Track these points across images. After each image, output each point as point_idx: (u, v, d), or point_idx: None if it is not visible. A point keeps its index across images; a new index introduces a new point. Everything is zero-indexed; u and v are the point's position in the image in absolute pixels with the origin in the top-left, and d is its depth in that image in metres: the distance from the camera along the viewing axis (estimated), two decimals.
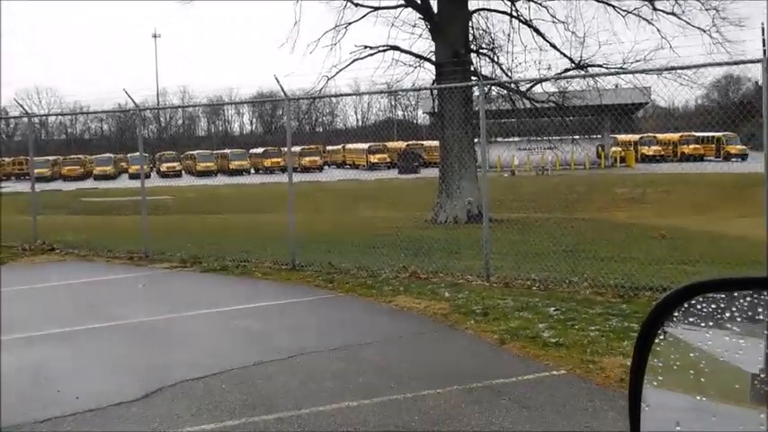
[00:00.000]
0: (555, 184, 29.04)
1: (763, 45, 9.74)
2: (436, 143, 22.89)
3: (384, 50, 21.50)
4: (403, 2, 21.53)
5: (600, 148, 38.40)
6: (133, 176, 50.56)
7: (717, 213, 22.52)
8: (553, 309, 9.17)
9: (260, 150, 58.53)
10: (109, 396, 6.49)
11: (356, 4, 21.87)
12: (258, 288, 11.64)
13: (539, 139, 25.73)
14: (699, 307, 1.11)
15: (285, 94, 13.48)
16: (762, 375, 1.04)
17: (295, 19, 24.16)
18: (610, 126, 32.95)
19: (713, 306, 1.10)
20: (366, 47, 21.48)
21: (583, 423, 5.68)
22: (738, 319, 1.08)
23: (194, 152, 60.26)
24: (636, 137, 45.63)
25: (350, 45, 26.20)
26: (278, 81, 13.13)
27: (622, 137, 43.11)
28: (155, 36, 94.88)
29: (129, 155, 56.50)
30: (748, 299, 1.08)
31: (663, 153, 46.23)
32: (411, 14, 21.86)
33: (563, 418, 5.77)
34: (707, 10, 20.36)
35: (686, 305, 1.11)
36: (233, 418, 5.93)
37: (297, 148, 45.51)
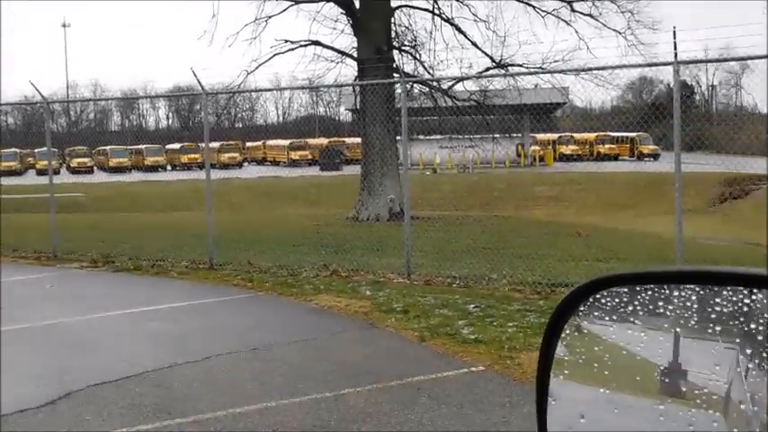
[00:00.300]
0: (476, 182, 29.45)
1: (675, 48, 10.06)
2: (358, 140, 22.87)
3: (305, 45, 21.33)
4: None
5: (520, 147, 39.19)
6: (41, 172, 48.48)
7: (630, 211, 23.30)
8: (473, 306, 9.25)
9: (177, 146, 57.05)
10: (11, 403, 6.15)
11: None
12: (174, 288, 11.32)
13: (460, 137, 26.04)
14: (603, 301, 1.11)
15: (203, 87, 13.17)
16: (670, 368, 1.06)
17: (213, 11, 23.72)
18: (529, 125, 33.66)
19: (617, 300, 1.11)
20: (287, 41, 21.28)
21: (500, 417, 5.73)
22: (641, 313, 1.09)
23: (107, 147, 58.21)
24: (554, 136, 46.77)
25: (271, 39, 25.86)
26: (195, 75, 12.81)
27: (541, 136, 44.10)
28: (64, 26, 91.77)
29: (36, 150, 54.14)
30: (650, 293, 1.09)
31: (580, 152, 47.53)
32: (333, 9, 21.77)
33: (481, 414, 5.81)
34: (622, 12, 21.04)
35: (591, 300, 1.11)
36: (146, 422, 5.72)
37: (215, 144, 44.54)
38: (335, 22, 21.81)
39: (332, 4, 21.47)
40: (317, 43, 21.45)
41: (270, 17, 21.82)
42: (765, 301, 1.00)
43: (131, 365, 7.15)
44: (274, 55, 21.40)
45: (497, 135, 25.77)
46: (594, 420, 1.09)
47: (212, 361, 7.34)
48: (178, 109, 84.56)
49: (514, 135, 34.67)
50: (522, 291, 10.17)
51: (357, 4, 20.85)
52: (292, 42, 21.36)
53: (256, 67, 21.15)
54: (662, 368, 1.07)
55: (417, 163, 33.95)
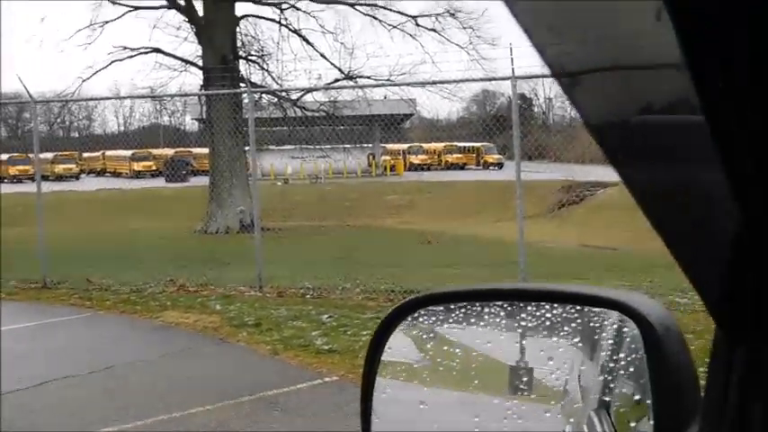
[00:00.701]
0: (328, 192, 29.51)
1: (512, 64, 10.59)
2: (206, 150, 22.26)
3: (146, 53, 20.55)
4: (165, 3, 20.66)
5: (371, 157, 39.68)
6: None
7: (477, 218, 24.17)
8: (326, 316, 9.21)
9: (4, 157, 52.92)
10: None
11: (114, 2, 20.65)
12: (1, 310, 10.41)
13: (311, 147, 25.99)
14: (421, 320, 1.17)
15: (30, 95, 12.32)
16: (517, 366, 1.15)
17: (42, 14, 22.32)
18: (379, 135, 34.17)
19: (433, 318, 1.18)
20: (126, 48, 20.40)
21: (356, 426, 5.66)
22: (455, 330, 1.17)
23: None
24: (404, 146, 47.79)
25: (108, 45, 24.75)
26: (21, 81, 11.95)
27: (392, 146, 44.91)
28: None
29: None
30: (463, 310, 1.16)
31: (429, 162, 48.84)
32: (175, 16, 21.10)
33: (335, 424, 5.79)
34: (465, 28, 21.86)
35: (410, 318, 1.17)
36: None
37: (48, 155, 41.80)
38: (178, 29, 21.18)
39: (174, 11, 20.79)
40: (158, 51, 20.73)
41: (106, 22, 20.84)
42: (564, 315, 1.09)
43: None
44: (112, 62, 20.50)
45: (348, 145, 25.97)
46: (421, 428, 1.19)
47: (49, 386, 6.82)
48: (4, 117, 78.73)
49: (365, 145, 35.08)
50: (375, 299, 10.25)
51: (200, 13, 20.31)
52: (132, 49, 20.52)
53: (91, 75, 20.18)
54: (510, 367, 1.15)
55: (269, 174, 33.53)
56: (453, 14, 21.73)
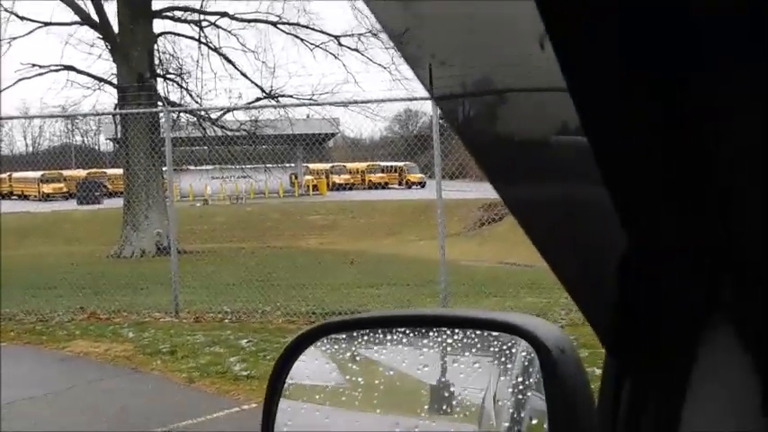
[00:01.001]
0: (249, 212, 29.08)
1: (430, 84, 10.60)
2: (121, 171, 21.60)
3: (57, 70, 19.85)
4: (78, 19, 20.01)
5: (293, 177, 39.38)
6: None
7: (400, 237, 24.22)
8: (245, 341, 8.99)
9: None
10: None
11: (22, 18, 19.86)
12: None
13: (232, 167, 25.57)
14: (324, 349, 1.17)
15: None
16: (437, 386, 1.14)
17: None
18: (302, 155, 33.96)
19: (336, 346, 1.18)
20: (35, 65, 19.66)
21: None
22: (357, 357, 1.18)
23: None
24: (327, 166, 47.73)
25: (15, 63, 23.80)
26: None
27: (314, 165, 44.74)
28: None
29: None
30: (365, 337, 1.16)
31: (353, 181, 48.92)
32: (88, 33, 20.46)
33: None
34: (387, 48, 21.95)
35: (313, 347, 1.16)
36: None
37: None
38: (92, 46, 20.54)
39: (87, 27, 20.16)
40: (70, 68, 20.05)
41: (14, 39, 20.02)
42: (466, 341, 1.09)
43: None
44: (20, 80, 19.71)
45: (270, 165, 25.67)
46: None
47: None
48: None
49: (287, 165, 34.81)
50: (295, 322, 10.08)
51: (116, 29, 19.74)
52: (41, 66, 19.79)
53: None
54: (430, 387, 1.15)
55: (187, 195, 32.81)
56: (376, 35, 21.81)
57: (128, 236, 18.72)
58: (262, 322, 10.24)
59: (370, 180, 48.84)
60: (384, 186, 46.73)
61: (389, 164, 47.84)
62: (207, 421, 6.40)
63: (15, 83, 19.73)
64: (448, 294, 9.87)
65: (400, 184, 47.47)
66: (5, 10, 19.64)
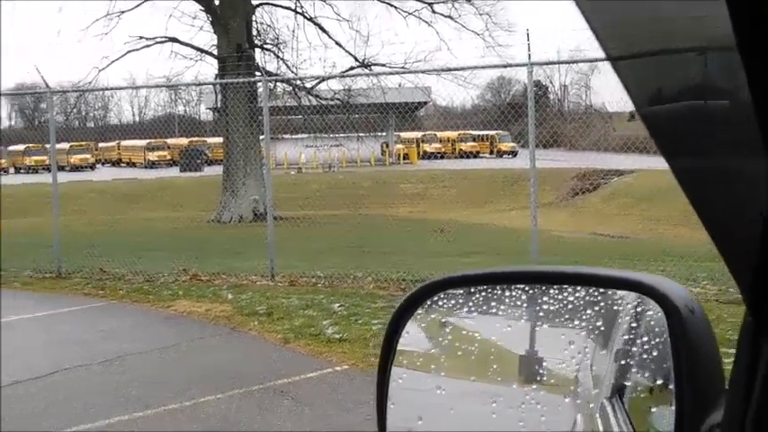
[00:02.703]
0: (341, 180, 29.49)
1: (528, 50, 10.43)
2: (221, 140, 22.31)
3: (162, 42, 20.61)
4: None
5: (384, 146, 39.58)
6: None
7: (491, 206, 24.07)
8: (337, 305, 9.20)
9: (21, 147, 53.26)
10: None
11: None
12: (15, 300, 10.49)
13: (325, 136, 25.95)
14: (440, 303, 1.15)
15: (47, 85, 12.38)
16: (527, 355, 1.13)
17: (59, 5, 22.40)
18: (394, 124, 34.05)
19: (452, 302, 1.15)
20: (142, 38, 20.45)
21: (365, 417, 5.67)
22: (474, 313, 1.15)
23: None
24: (418, 134, 47.63)
25: (124, 35, 24.75)
26: (39, 72, 12.02)
27: (406, 134, 44.76)
28: None
29: None
30: (483, 293, 1.14)
31: (443, 150, 48.64)
32: (191, 6, 21.12)
33: (345, 412, 5.79)
34: (480, 15, 21.71)
35: (429, 302, 1.15)
36: None
37: (65, 145, 41.97)
38: (194, 19, 21.22)
39: (190, 0, 20.82)
40: (174, 40, 20.76)
41: (123, 12, 20.89)
42: (588, 298, 1.07)
43: None
44: (128, 52, 20.58)
45: (362, 134, 25.92)
46: (431, 422, 1.15)
47: (59, 376, 6.87)
48: (22, 108, 79.18)
49: (379, 134, 35.00)
50: (386, 288, 10.22)
51: (216, 1, 20.30)
52: (147, 39, 20.57)
53: (108, 65, 20.28)
54: (520, 354, 1.13)
55: (282, 162, 33.52)
56: (469, 0, 21.58)
57: (226, 202, 19.43)
58: (353, 287, 10.38)
59: (461, 149, 48.38)
60: (475, 155, 46.24)
61: (481, 132, 47.24)
62: (301, 380, 6.61)
63: (124, 55, 20.60)
64: (539, 264, 9.81)
65: (491, 153, 46.90)
66: None
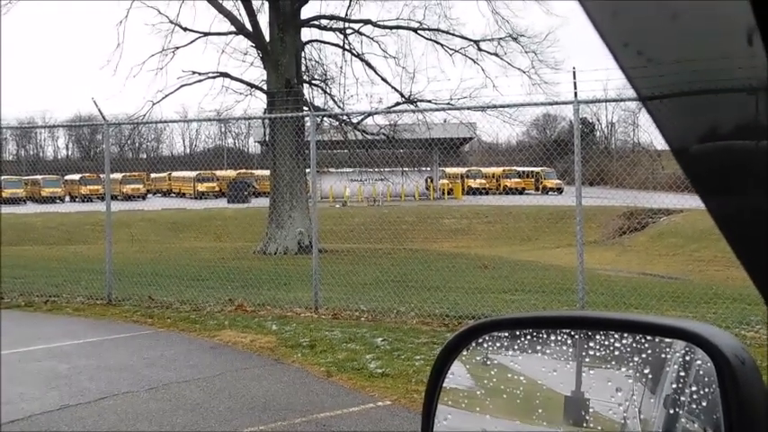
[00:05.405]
0: (385, 214, 29.60)
1: (575, 88, 10.40)
2: (267, 172, 22.63)
3: (214, 77, 21.09)
4: (234, 29, 21.24)
5: (429, 180, 39.69)
6: None
7: (535, 243, 23.87)
8: (380, 339, 9.18)
9: (76, 177, 54.80)
10: None
11: (185, 29, 21.32)
12: (68, 325, 10.77)
13: (370, 170, 26.14)
14: (485, 345, 1.15)
15: (104, 117, 12.76)
16: (572, 396, 1.11)
17: (117, 41, 23.12)
18: (438, 159, 34.14)
19: (498, 344, 1.15)
20: (194, 72, 20.98)
21: None
22: (519, 357, 1.14)
23: None
24: (463, 170, 47.66)
25: (178, 70, 25.44)
26: (96, 104, 12.39)
27: (450, 169, 44.83)
28: None
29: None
30: (528, 336, 1.13)
31: (488, 186, 48.56)
32: (243, 42, 21.64)
33: None
34: (526, 53, 21.75)
35: (474, 343, 1.16)
36: None
37: (118, 175, 43.10)
38: (245, 54, 21.72)
39: (241, 36, 21.34)
40: (225, 75, 21.24)
41: (177, 48, 21.50)
42: (635, 345, 1.06)
43: (17, 409, 6.71)
44: (181, 86, 21.07)
45: (407, 168, 26.03)
46: None
47: (107, 402, 6.98)
48: (79, 138, 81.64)
49: (424, 168, 35.12)
50: (429, 323, 10.18)
51: (267, 38, 20.78)
52: (200, 74, 21.09)
53: (162, 98, 20.78)
54: (565, 397, 1.11)
55: (327, 196, 33.84)
56: (516, 39, 21.68)
57: (272, 234, 19.65)
58: (396, 322, 10.36)
59: (505, 185, 48.23)
60: (520, 192, 46.03)
61: (526, 169, 47.08)
62: (344, 414, 6.60)
63: (177, 89, 21.09)
64: (585, 304, 9.67)
65: (536, 189, 46.65)
66: (170, 21, 21.16)
